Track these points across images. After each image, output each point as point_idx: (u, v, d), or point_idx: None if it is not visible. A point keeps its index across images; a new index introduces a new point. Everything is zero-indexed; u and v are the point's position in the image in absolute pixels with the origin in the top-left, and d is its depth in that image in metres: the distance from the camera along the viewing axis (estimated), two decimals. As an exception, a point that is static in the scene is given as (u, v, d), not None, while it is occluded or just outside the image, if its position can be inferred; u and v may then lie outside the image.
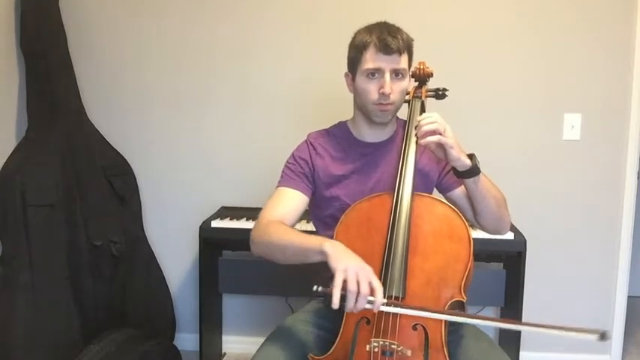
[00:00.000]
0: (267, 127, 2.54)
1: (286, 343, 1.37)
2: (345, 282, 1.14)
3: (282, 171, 1.56)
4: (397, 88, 1.45)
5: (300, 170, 1.54)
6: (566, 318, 2.55)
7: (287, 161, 1.58)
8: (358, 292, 1.13)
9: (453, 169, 1.43)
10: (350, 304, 1.14)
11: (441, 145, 1.37)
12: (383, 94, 1.43)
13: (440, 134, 1.35)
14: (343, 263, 1.16)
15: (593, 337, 1.07)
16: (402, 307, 1.22)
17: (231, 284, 2.49)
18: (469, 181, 1.41)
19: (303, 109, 2.48)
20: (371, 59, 1.43)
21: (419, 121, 1.38)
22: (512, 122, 2.48)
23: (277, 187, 1.53)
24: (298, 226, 2.17)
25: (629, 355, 2.65)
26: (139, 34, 2.54)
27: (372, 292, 1.14)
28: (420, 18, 2.42)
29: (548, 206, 2.50)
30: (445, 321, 1.27)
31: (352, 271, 1.14)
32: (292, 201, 1.50)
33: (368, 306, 1.14)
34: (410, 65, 1.50)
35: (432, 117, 1.37)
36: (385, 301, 1.17)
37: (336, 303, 1.12)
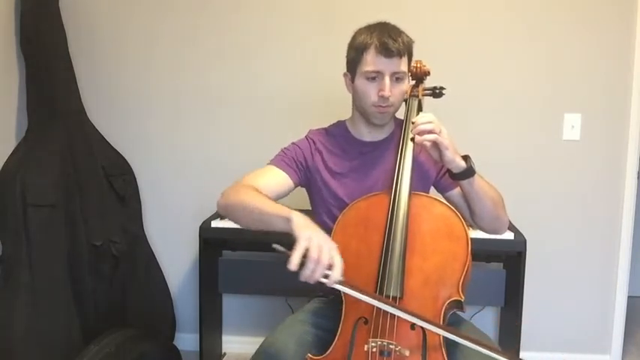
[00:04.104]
0: (267, 127, 2.53)
1: (285, 342, 1.37)
2: (307, 251, 1.13)
3: (277, 153, 1.57)
4: (396, 91, 1.46)
5: (293, 156, 1.54)
6: (566, 318, 2.55)
7: (285, 147, 1.58)
8: (318, 262, 1.12)
9: (448, 170, 1.43)
10: (307, 272, 1.12)
11: (436, 146, 1.37)
12: (382, 97, 1.43)
13: (436, 134, 1.35)
14: (308, 232, 1.16)
15: None
16: (390, 305, 1.21)
17: (231, 284, 2.49)
18: (464, 182, 1.41)
19: (304, 109, 2.48)
20: (371, 62, 1.43)
21: (415, 121, 1.38)
22: (512, 122, 2.48)
23: (267, 164, 1.54)
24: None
25: (629, 355, 2.65)
26: (139, 34, 2.54)
27: (330, 268, 1.14)
28: (419, 17, 2.42)
29: (548, 206, 2.50)
30: (443, 321, 1.27)
31: (316, 241, 1.14)
32: (276, 178, 1.49)
33: (323, 280, 1.14)
34: (409, 67, 1.50)
35: (428, 117, 1.37)
36: (341, 279, 1.16)
37: (294, 264, 1.11)
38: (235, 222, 1.39)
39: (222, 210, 1.43)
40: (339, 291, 1.19)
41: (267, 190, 1.42)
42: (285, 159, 1.54)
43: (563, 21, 2.41)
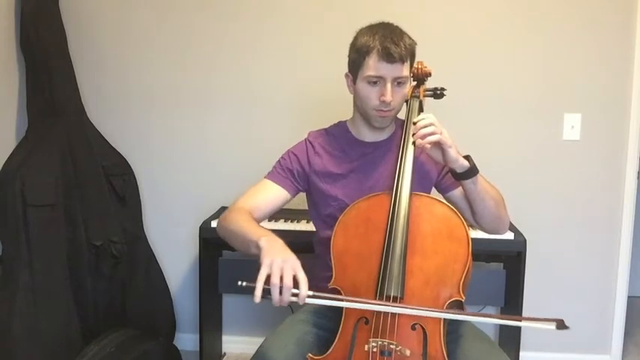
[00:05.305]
0: (267, 127, 2.54)
1: (286, 342, 1.37)
2: (269, 276, 1.15)
3: (274, 164, 1.59)
4: (398, 95, 1.46)
5: (288, 167, 1.55)
6: (566, 318, 2.54)
7: (281, 156, 1.60)
8: (282, 286, 1.14)
9: (451, 171, 1.43)
10: (274, 298, 1.14)
11: (439, 146, 1.37)
12: (384, 101, 1.43)
13: (438, 134, 1.35)
14: (269, 257, 1.18)
15: (551, 326, 1.10)
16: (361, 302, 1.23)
17: (232, 284, 2.47)
18: (468, 182, 1.41)
19: (304, 109, 2.48)
20: (373, 66, 1.42)
21: (415, 123, 1.37)
22: (512, 122, 2.48)
23: (264, 177, 1.57)
24: (299, 226, 2.20)
25: (629, 355, 2.65)
26: (139, 34, 2.54)
27: (296, 285, 1.15)
28: (419, 17, 2.42)
29: (548, 206, 2.50)
30: (444, 321, 1.28)
31: (276, 265, 1.15)
32: (270, 194, 1.52)
33: (293, 299, 1.15)
34: (411, 70, 1.50)
35: (429, 118, 1.37)
36: (310, 293, 1.16)
37: (257, 296, 1.13)
38: (232, 246, 1.44)
39: (220, 235, 1.49)
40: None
41: (262, 208, 1.49)
42: (281, 171, 1.56)
43: (564, 21, 2.41)
